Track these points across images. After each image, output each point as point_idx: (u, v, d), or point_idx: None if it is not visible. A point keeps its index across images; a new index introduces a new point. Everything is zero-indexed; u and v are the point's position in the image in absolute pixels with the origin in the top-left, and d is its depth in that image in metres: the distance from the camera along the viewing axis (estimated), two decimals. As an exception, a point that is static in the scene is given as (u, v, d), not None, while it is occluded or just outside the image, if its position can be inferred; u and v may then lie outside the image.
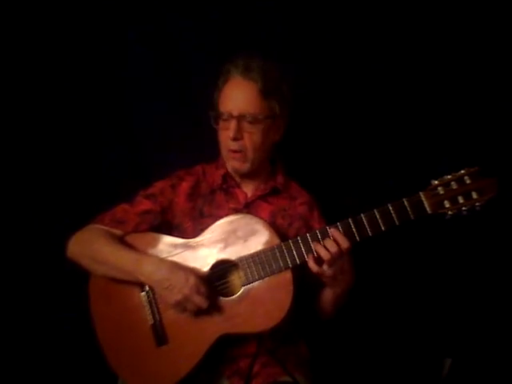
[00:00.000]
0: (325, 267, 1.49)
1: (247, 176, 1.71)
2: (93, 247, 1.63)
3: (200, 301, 1.52)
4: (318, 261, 1.50)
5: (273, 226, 1.60)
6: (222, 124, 1.66)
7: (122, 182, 2.09)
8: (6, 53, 2.06)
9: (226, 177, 1.73)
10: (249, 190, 1.73)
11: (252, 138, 1.63)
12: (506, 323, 1.98)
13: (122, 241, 1.65)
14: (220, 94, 1.68)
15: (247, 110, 1.61)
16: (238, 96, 1.63)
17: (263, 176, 1.74)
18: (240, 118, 1.61)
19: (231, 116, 1.61)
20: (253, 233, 1.57)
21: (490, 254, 1.97)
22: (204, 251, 1.60)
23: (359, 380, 2.00)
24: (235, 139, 1.62)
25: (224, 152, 1.68)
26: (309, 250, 1.51)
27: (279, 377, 1.59)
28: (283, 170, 1.78)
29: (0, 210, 2.09)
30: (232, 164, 1.67)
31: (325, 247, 1.48)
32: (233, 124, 1.61)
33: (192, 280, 1.52)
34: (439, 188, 1.43)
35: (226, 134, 1.64)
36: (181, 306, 1.54)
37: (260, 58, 1.66)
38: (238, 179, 1.73)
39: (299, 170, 1.83)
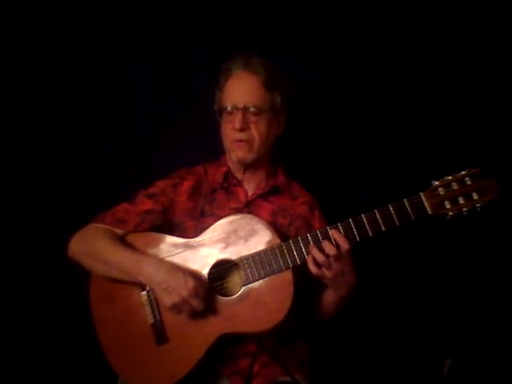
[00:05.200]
0: (324, 269, 1.49)
1: (249, 170, 1.71)
2: (94, 247, 1.63)
3: (197, 303, 1.52)
4: (318, 263, 1.49)
5: (273, 225, 1.61)
6: (225, 117, 1.67)
7: (122, 180, 2.09)
8: (7, 54, 2.06)
9: (228, 174, 1.73)
10: (250, 188, 1.73)
11: (258, 128, 1.64)
12: (506, 323, 1.98)
13: (122, 240, 1.65)
14: (222, 90, 1.69)
15: (252, 102, 1.63)
16: (241, 88, 1.65)
17: (264, 174, 1.74)
18: (245, 109, 1.62)
19: (236, 108, 1.63)
20: (253, 233, 1.57)
21: (490, 255, 1.97)
22: (205, 251, 1.60)
23: (359, 380, 2.01)
24: (242, 129, 1.62)
25: (228, 144, 1.68)
26: (309, 251, 1.50)
27: (279, 377, 1.59)
28: (284, 171, 1.78)
29: (0, 210, 2.09)
30: (237, 154, 1.66)
31: (322, 250, 1.48)
32: (239, 115, 1.62)
33: (190, 283, 1.52)
34: (440, 189, 1.43)
35: (230, 127, 1.65)
36: (177, 308, 1.54)
37: (258, 55, 1.68)
38: (239, 176, 1.73)
39: (300, 171, 1.83)
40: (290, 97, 1.72)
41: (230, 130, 1.65)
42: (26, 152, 2.09)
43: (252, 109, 1.63)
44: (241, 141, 1.64)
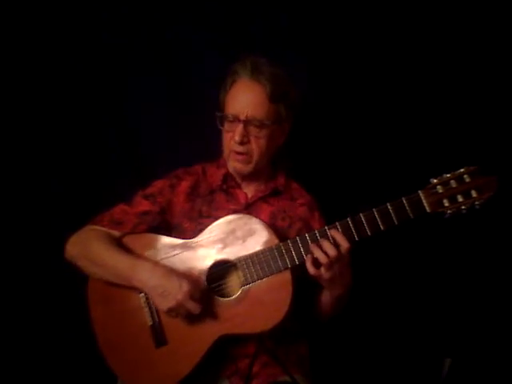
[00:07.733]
0: (323, 270, 1.48)
1: (248, 177, 1.70)
2: (90, 250, 1.63)
3: (193, 307, 1.52)
4: (316, 263, 1.48)
5: (272, 227, 1.60)
6: (227, 125, 1.64)
7: (120, 181, 2.09)
8: (6, 55, 2.07)
9: (227, 177, 1.72)
10: (249, 190, 1.72)
11: (258, 142, 1.62)
12: (506, 323, 1.98)
13: (119, 242, 1.65)
14: (227, 95, 1.66)
15: (254, 115, 1.59)
16: (245, 99, 1.61)
17: (264, 177, 1.73)
18: (247, 122, 1.60)
19: (238, 119, 1.60)
20: (251, 233, 1.57)
21: (490, 253, 1.98)
22: (203, 252, 1.59)
23: (359, 380, 2.01)
24: (241, 143, 1.60)
25: (227, 152, 1.66)
26: (307, 251, 1.50)
27: (279, 377, 1.59)
28: (284, 171, 1.77)
29: (-1, 211, 2.10)
30: (234, 165, 1.66)
31: (323, 250, 1.47)
32: (239, 128, 1.59)
33: (185, 286, 1.51)
34: (438, 187, 1.43)
35: (230, 136, 1.63)
36: (173, 312, 1.54)
37: (267, 61, 1.65)
38: (239, 180, 1.72)
39: (299, 170, 1.82)
40: (296, 106, 1.69)
41: (230, 140, 1.63)
42: (25, 152, 2.09)
43: (254, 122, 1.60)
44: (239, 153, 1.63)
